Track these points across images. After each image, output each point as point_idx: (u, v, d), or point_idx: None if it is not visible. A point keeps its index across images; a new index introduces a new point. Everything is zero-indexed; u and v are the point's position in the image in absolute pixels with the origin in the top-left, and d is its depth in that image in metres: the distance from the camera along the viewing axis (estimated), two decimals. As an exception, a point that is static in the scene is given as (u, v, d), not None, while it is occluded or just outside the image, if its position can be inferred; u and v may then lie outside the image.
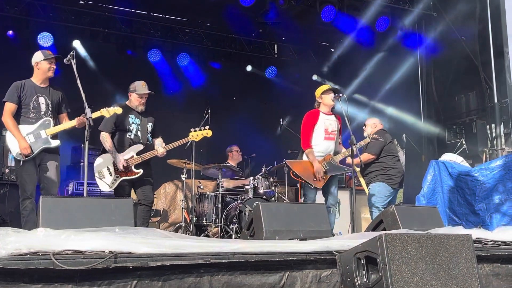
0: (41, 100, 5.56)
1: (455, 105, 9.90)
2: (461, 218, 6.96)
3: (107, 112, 5.55)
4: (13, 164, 6.99)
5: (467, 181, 7.00)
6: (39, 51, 5.74)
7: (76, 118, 5.47)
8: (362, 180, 6.84)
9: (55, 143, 5.49)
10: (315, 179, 6.14)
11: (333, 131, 6.41)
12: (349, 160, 6.22)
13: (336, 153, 6.45)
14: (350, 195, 7.82)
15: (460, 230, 4.30)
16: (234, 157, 8.64)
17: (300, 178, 6.15)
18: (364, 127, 7.22)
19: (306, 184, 6.18)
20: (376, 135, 6.50)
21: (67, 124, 5.55)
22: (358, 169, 6.78)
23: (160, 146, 5.97)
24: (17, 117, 5.49)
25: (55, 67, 5.63)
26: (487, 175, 6.88)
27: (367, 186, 6.83)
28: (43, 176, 5.44)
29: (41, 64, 5.60)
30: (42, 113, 5.54)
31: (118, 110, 5.64)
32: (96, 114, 5.44)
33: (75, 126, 5.48)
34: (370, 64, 10.96)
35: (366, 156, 6.85)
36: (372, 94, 11.04)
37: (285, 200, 7.82)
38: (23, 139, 5.32)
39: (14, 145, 5.36)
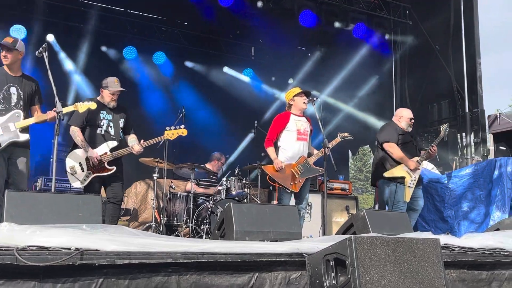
0: (13, 90, 5.26)
1: (427, 113, 9.92)
2: (430, 224, 7.02)
3: (81, 106, 5.33)
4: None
5: (437, 188, 7.07)
6: None
7: (48, 112, 5.19)
8: None
9: (24, 137, 5.18)
10: (291, 183, 6.06)
11: (305, 131, 6.34)
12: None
13: (308, 154, 6.37)
14: (322, 198, 7.87)
15: (428, 235, 4.29)
16: (216, 166, 8.35)
17: (276, 182, 6.06)
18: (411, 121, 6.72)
19: (283, 188, 6.11)
20: (347, 134, 6.47)
21: (38, 117, 5.23)
22: None
23: (136, 143, 5.81)
24: None
25: (5, 54, 5.20)
26: (457, 183, 6.97)
27: None
28: (12, 171, 5.15)
29: None
30: (13, 104, 5.23)
31: (93, 105, 5.42)
32: (69, 109, 5.26)
33: (47, 120, 5.21)
34: (345, 69, 10.85)
35: None
36: (346, 99, 10.96)
37: (257, 202, 7.75)
38: None
39: None
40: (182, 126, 6.11)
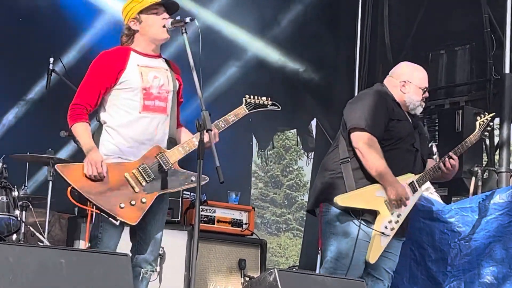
0: None
1: (426, 70, 6.92)
2: (413, 307, 4.72)
3: None
4: None
5: (433, 231, 4.59)
6: None
7: None
8: None
9: None
10: (122, 206, 3.80)
11: (162, 92, 4.12)
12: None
13: (172, 142, 4.09)
14: (189, 241, 5.45)
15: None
16: None
17: (90, 202, 3.78)
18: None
19: (103, 215, 3.88)
20: (267, 99, 4.29)
21: None
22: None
23: None
24: None
25: None
26: (474, 223, 4.46)
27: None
28: None
29: None
30: None
31: None
32: None
33: None
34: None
35: None
36: (258, 25, 7.35)
37: (44, 241, 5.39)
38: None
39: None
40: None
